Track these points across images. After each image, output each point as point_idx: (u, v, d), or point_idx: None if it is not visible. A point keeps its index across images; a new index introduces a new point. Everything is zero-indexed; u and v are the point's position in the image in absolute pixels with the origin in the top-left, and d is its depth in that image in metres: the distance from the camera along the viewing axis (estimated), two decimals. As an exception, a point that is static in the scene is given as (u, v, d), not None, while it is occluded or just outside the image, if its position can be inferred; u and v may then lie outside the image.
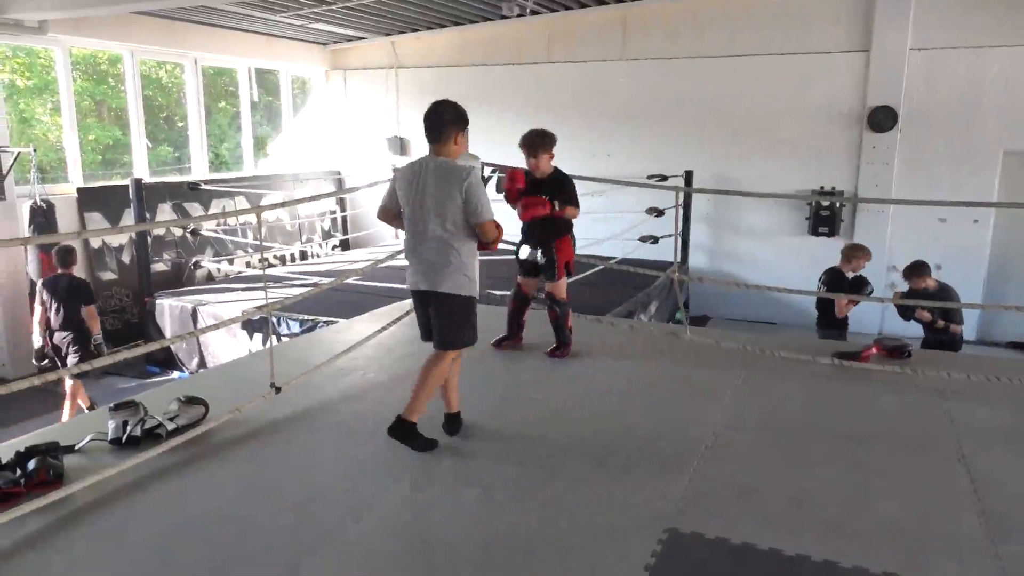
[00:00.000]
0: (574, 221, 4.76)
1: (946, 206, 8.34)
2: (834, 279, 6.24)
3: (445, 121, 3.47)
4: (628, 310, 8.02)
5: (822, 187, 9.71)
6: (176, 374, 8.18)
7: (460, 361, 3.67)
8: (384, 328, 5.04)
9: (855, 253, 6.28)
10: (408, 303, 5.86)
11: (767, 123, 9.95)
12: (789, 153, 9.89)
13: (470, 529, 2.82)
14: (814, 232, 9.77)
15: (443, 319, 3.45)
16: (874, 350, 4.81)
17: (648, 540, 2.71)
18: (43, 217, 7.88)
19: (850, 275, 6.23)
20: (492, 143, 7.43)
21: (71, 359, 6.37)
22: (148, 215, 8.87)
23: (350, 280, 6.62)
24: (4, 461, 3.07)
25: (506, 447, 3.55)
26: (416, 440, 3.43)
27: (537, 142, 4.64)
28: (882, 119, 9.28)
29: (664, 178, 9.89)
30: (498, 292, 6.43)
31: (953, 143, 9.17)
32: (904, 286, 6.39)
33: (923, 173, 9.26)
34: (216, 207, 10.09)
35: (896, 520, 2.87)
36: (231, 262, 10.29)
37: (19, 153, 7.71)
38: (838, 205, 9.64)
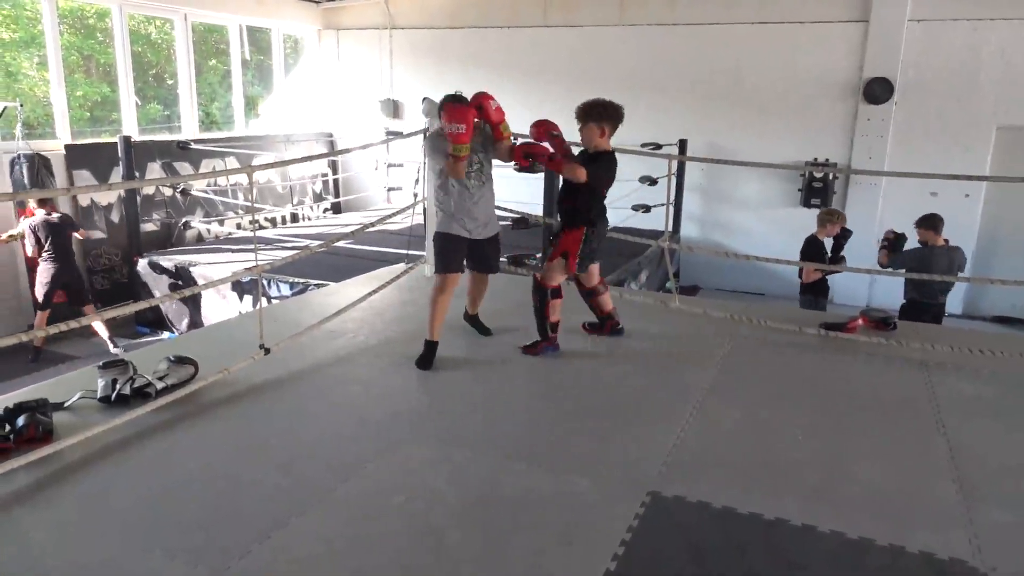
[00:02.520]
0: (607, 217, 4.37)
1: (938, 179, 8.35)
2: (807, 245, 6.29)
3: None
4: (619, 278, 8.03)
5: (815, 158, 9.71)
6: (166, 335, 8.18)
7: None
8: (374, 292, 5.04)
9: (829, 218, 6.31)
10: (399, 267, 5.88)
11: (762, 93, 9.90)
12: (783, 124, 9.86)
13: (455, 490, 2.86)
14: (806, 203, 9.78)
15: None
16: (860, 321, 4.86)
17: (630, 503, 2.76)
18: (45, 169, 7.85)
19: (826, 240, 6.27)
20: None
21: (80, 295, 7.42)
22: (137, 174, 8.78)
23: (341, 243, 6.60)
24: (-7, 417, 3.08)
25: (492, 411, 3.59)
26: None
27: (580, 111, 4.25)
28: (878, 91, 9.24)
29: (658, 147, 9.84)
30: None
31: (947, 116, 9.16)
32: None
33: (917, 146, 9.26)
34: (206, 167, 9.99)
35: (874, 487, 2.94)
36: (221, 223, 10.23)
37: (5, 107, 7.59)
38: (831, 176, 9.63)
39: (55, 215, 7.36)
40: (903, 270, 5.93)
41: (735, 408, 3.67)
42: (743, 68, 9.94)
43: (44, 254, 7.30)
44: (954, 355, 4.36)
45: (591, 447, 3.22)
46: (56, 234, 7.31)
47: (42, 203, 7.30)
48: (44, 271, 7.33)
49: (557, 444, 3.24)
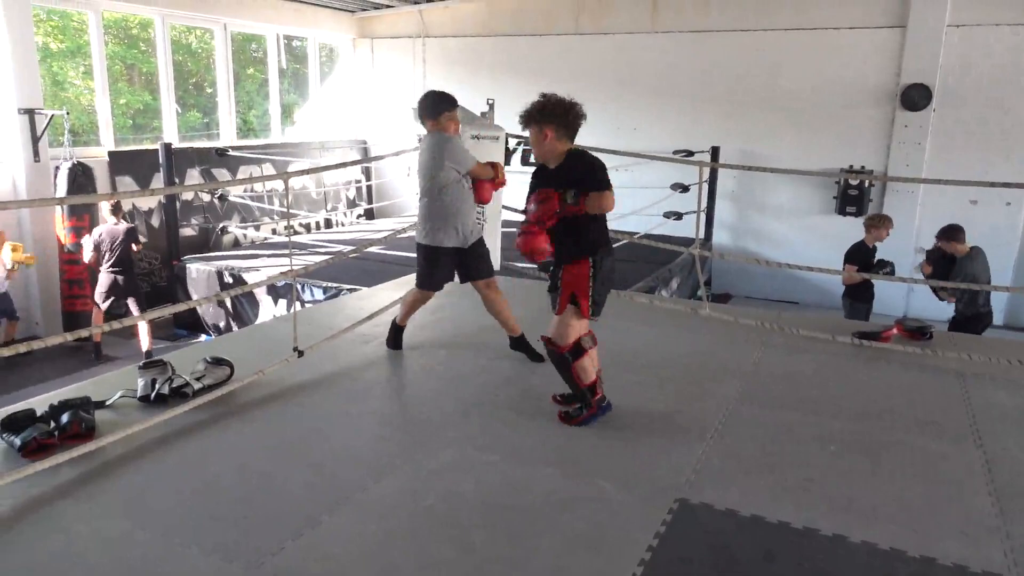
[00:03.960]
0: (609, 237, 3.43)
1: (978, 187, 8.20)
2: (852, 249, 6.23)
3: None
4: (649, 285, 8.02)
5: (851, 166, 9.58)
6: (203, 337, 8.36)
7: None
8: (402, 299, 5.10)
9: (875, 222, 6.24)
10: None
11: (797, 99, 9.81)
12: (818, 131, 9.76)
13: (482, 494, 2.88)
14: (841, 211, 9.67)
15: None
16: (895, 331, 4.79)
17: (658, 509, 2.76)
18: (84, 178, 8.06)
19: (873, 246, 6.21)
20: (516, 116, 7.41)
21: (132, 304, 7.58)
22: (177, 180, 9.00)
23: (373, 249, 6.69)
24: (39, 413, 3.20)
25: (522, 414, 3.61)
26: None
27: (527, 114, 3.35)
28: (916, 97, 9.10)
29: (690, 154, 9.81)
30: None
31: (988, 123, 8.98)
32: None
33: (956, 153, 9.09)
34: (243, 173, 10.21)
35: (907, 498, 2.90)
36: (257, 228, 10.43)
37: (52, 116, 7.84)
38: (867, 184, 9.50)
39: (121, 225, 7.48)
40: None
41: (765, 416, 3.64)
42: (777, 74, 9.86)
43: (104, 264, 7.44)
44: (992, 366, 4.27)
45: (619, 453, 3.23)
46: (118, 244, 7.42)
47: (114, 212, 7.47)
48: (103, 281, 7.48)
49: (585, 450, 3.25)
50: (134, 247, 7.58)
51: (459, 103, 4.14)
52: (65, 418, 3.16)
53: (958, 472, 3.13)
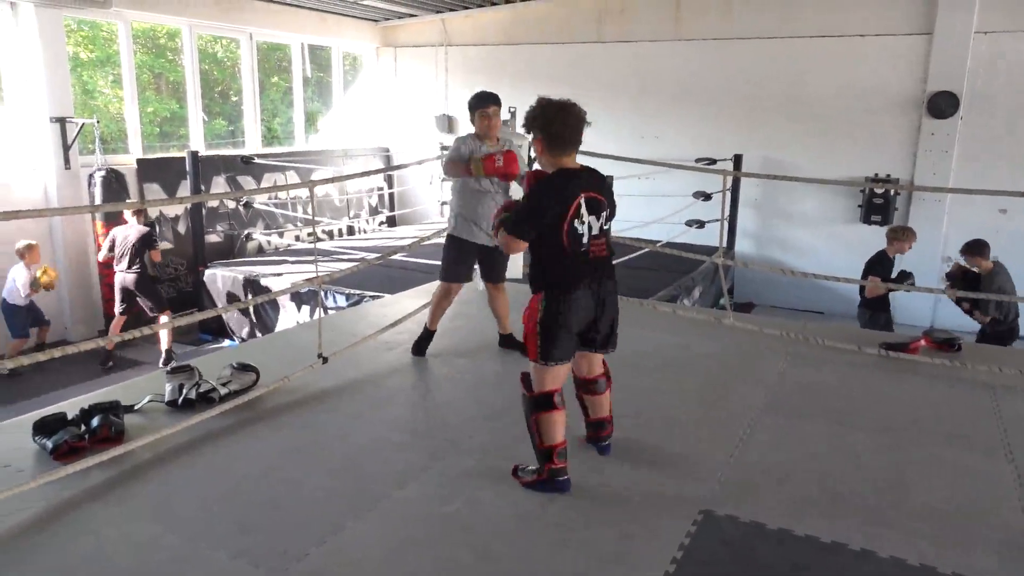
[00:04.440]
0: (577, 276, 2.87)
1: (1007, 196, 8.06)
2: (874, 260, 6.16)
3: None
4: (671, 294, 7.98)
5: (876, 174, 9.48)
6: (227, 342, 8.45)
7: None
8: (428, 304, 5.12)
9: (897, 235, 6.16)
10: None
11: (821, 107, 9.73)
12: (843, 139, 9.66)
13: (504, 502, 2.88)
14: (866, 220, 9.56)
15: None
16: (923, 342, 4.72)
17: (682, 520, 2.74)
18: (118, 185, 8.19)
19: (894, 257, 6.14)
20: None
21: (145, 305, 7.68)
22: (203, 187, 9.13)
23: (396, 256, 6.73)
24: (70, 417, 3.25)
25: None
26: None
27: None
28: (943, 105, 8.99)
29: (713, 162, 9.76)
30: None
31: (1017, 130, 8.85)
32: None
33: (984, 161, 8.96)
34: (268, 181, 10.33)
35: (937, 512, 2.85)
36: (281, 235, 10.53)
37: (83, 124, 7.99)
38: (892, 193, 9.39)
39: (138, 229, 7.52)
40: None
41: (791, 427, 3.61)
42: (802, 82, 9.79)
43: (116, 264, 7.57)
44: (1023, 378, 4.20)
45: (643, 463, 3.21)
46: (131, 246, 7.47)
47: (137, 215, 7.56)
48: (116, 282, 7.63)
49: (608, 460, 3.24)
50: (150, 252, 7.54)
51: (498, 101, 4.29)
52: (95, 422, 3.22)
53: (989, 487, 3.07)
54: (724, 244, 5.78)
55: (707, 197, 9.62)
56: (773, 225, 10.41)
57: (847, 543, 2.62)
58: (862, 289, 6.32)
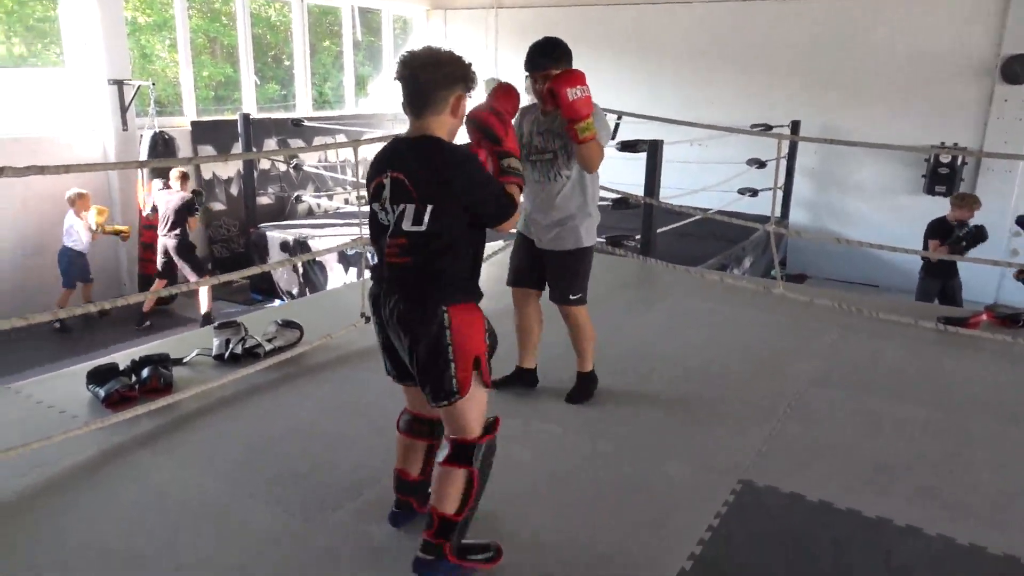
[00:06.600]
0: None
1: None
2: (935, 223, 6.01)
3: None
4: (721, 263, 7.81)
5: (943, 143, 9.04)
6: (277, 302, 8.62)
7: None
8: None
9: (964, 202, 5.94)
10: (496, 244, 5.91)
11: (885, 72, 9.29)
12: (908, 105, 9.23)
13: (544, 465, 2.88)
14: (929, 191, 9.16)
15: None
16: (984, 317, 4.52)
17: (721, 489, 2.69)
18: (163, 147, 8.36)
19: (954, 223, 5.95)
20: (594, 87, 7.27)
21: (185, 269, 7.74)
22: (254, 149, 9.26)
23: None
24: (121, 368, 3.36)
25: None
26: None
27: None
28: (1018, 69, 8.49)
29: (768, 128, 9.44)
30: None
31: (1100, 98, 8.32)
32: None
33: (1062, 130, 8.47)
34: (318, 144, 10.41)
35: (990, 493, 2.74)
36: (330, 198, 10.65)
37: (139, 87, 8.15)
38: (960, 161, 8.96)
39: (181, 195, 7.63)
40: None
41: (838, 401, 3.50)
42: (864, 45, 9.35)
43: (160, 229, 7.68)
44: (1092, 357, 3.99)
45: (683, 432, 3.16)
46: (171, 211, 7.56)
47: (182, 181, 7.67)
48: (159, 244, 7.77)
49: (649, 425, 3.20)
50: (189, 220, 7.60)
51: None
52: (145, 373, 3.32)
53: (1048, 467, 2.94)
54: (777, 213, 5.60)
55: (761, 165, 9.33)
56: (829, 195, 10.06)
57: (892, 519, 2.54)
58: (924, 259, 6.16)
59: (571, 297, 3.27)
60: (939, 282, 6.16)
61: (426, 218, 2.04)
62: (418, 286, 2.09)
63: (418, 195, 2.04)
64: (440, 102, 2.08)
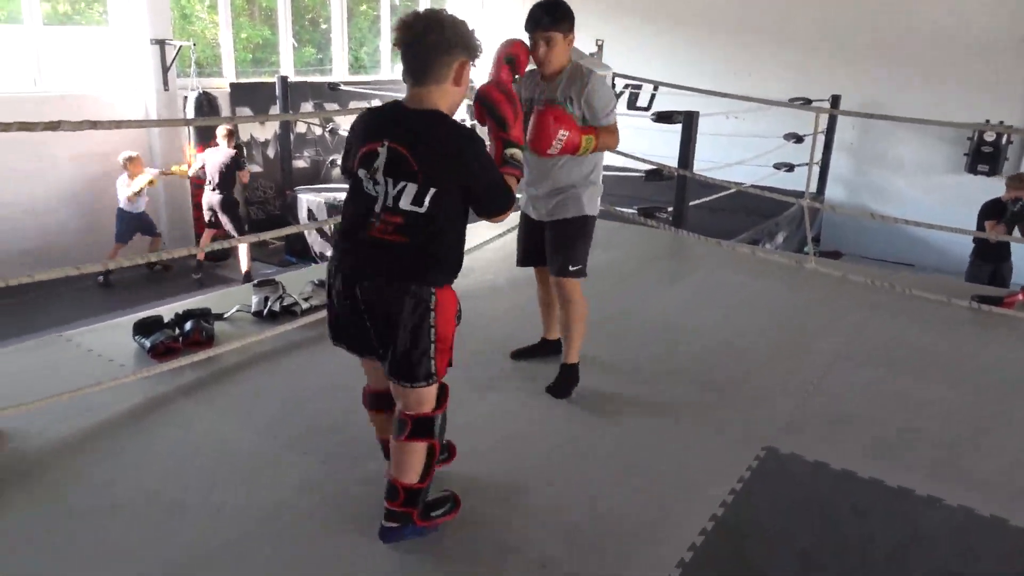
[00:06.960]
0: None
1: None
2: (989, 204, 5.83)
3: None
4: (753, 237, 7.75)
5: (987, 121, 8.81)
6: (312, 264, 8.78)
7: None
8: (504, 234, 5.16)
9: (1014, 183, 5.78)
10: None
11: (929, 47, 9.04)
12: (950, 81, 8.99)
13: (564, 433, 2.93)
14: (972, 170, 8.96)
15: None
16: (1020, 296, 4.46)
17: (744, 456, 2.74)
18: (208, 107, 8.51)
19: (1008, 201, 5.79)
20: (628, 57, 7.21)
21: (226, 222, 7.97)
22: (291, 112, 9.35)
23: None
24: (166, 320, 3.49)
25: (613, 357, 3.61)
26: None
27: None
28: (1073, 45, 8.21)
29: (808, 102, 9.27)
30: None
31: None
32: None
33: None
34: (353, 108, 10.45)
35: (1016, 470, 2.74)
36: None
37: (180, 47, 8.25)
38: (1005, 140, 8.73)
39: (227, 152, 7.85)
40: None
41: (866, 375, 3.51)
42: (909, 17, 9.10)
43: (208, 184, 7.95)
44: None
45: (710, 400, 3.20)
46: (219, 167, 7.83)
47: (228, 136, 7.85)
48: (204, 199, 8.06)
49: (675, 394, 3.25)
50: (239, 174, 7.93)
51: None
52: (188, 326, 3.44)
53: (1077, 447, 2.93)
54: (813, 189, 5.54)
55: (799, 139, 9.19)
56: (868, 172, 9.89)
57: (914, 489, 2.57)
58: (976, 240, 6.03)
59: (571, 268, 3.05)
60: (991, 266, 6.01)
61: (427, 200, 1.95)
62: (412, 267, 2.01)
63: (422, 175, 1.94)
64: (443, 67, 1.99)
